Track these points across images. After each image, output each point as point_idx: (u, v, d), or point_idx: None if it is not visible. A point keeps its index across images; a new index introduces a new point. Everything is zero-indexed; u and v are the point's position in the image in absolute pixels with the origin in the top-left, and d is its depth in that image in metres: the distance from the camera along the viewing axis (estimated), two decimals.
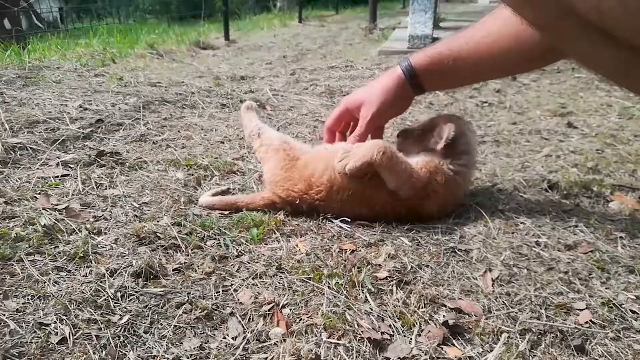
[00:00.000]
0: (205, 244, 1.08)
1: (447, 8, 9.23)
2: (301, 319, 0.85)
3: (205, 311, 0.85)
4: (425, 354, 0.77)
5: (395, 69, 1.19)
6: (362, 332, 0.81)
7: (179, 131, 1.86)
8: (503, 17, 1.06)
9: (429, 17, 3.99)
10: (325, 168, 1.17)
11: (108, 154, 1.53)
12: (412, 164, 1.15)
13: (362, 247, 1.08)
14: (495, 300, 0.91)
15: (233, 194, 1.35)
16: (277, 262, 1.01)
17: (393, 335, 0.82)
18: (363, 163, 1.09)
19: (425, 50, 1.17)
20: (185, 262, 1.00)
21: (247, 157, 1.61)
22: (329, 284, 0.94)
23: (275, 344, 0.79)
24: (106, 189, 1.33)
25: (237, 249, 1.06)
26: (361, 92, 1.25)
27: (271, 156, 1.30)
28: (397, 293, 0.92)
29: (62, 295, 0.87)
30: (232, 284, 0.94)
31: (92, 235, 1.07)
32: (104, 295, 0.88)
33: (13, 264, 0.95)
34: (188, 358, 0.75)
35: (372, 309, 0.87)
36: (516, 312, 0.87)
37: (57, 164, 1.45)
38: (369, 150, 1.09)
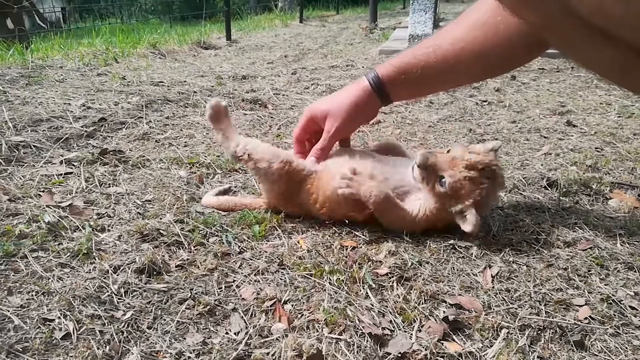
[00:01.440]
0: (208, 241, 1.08)
1: (447, 8, 9.23)
2: (303, 314, 0.86)
3: (208, 307, 0.86)
4: (426, 349, 0.78)
5: (361, 80, 1.16)
6: (363, 327, 0.82)
7: (181, 130, 1.87)
8: (469, 22, 1.05)
9: (429, 17, 4.01)
10: (324, 190, 1.14)
11: (111, 152, 1.54)
12: (415, 208, 1.10)
13: (363, 244, 1.09)
14: (495, 296, 0.92)
15: (235, 192, 1.36)
16: (279, 259, 1.02)
17: (394, 331, 0.82)
18: (356, 197, 1.09)
19: (392, 61, 1.14)
20: (188, 259, 1.01)
21: None
22: (330, 280, 0.95)
23: (277, 339, 0.80)
24: (109, 186, 1.34)
25: (239, 246, 1.07)
26: (326, 102, 1.20)
27: (275, 179, 1.16)
28: (397, 289, 0.93)
29: (66, 291, 0.88)
30: (234, 280, 0.95)
31: (96, 232, 1.09)
32: (107, 292, 0.89)
33: (17, 261, 0.96)
34: (191, 353, 0.76)
35: (373, 305, 0.88)
36: (516, 308, 0.88)
37: (61, 162, 1.46)
38: (366, 190, 1.07)
